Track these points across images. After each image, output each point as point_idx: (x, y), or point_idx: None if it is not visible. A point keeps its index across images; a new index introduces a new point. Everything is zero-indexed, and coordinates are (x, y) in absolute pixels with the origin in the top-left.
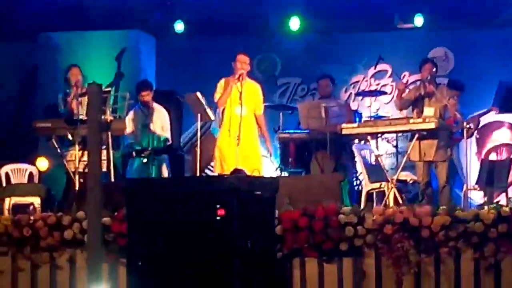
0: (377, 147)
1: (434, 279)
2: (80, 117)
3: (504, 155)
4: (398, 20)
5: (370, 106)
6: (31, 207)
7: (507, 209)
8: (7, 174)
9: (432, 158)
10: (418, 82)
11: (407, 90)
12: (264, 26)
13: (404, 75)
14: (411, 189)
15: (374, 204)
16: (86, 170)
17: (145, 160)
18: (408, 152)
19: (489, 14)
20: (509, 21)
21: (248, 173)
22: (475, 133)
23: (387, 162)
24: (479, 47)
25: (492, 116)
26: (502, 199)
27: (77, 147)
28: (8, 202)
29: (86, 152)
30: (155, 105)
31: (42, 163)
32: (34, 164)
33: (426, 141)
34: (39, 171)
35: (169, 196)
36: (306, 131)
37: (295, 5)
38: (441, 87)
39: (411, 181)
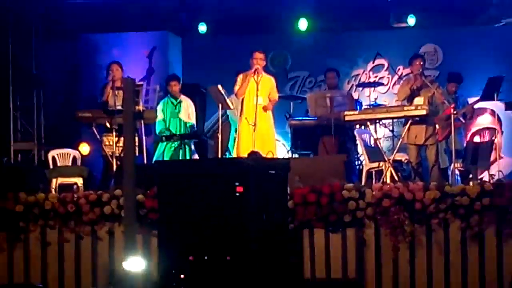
0: (375, 132)
1: (426, 247)
2: (117, 107)
3: (486, 137)
4: (393, 20)
5: (369, 96)
6: (75, 186)
7: (489, 184)
8: (53, 158)
9: (422, 142)
10: (411, 75)
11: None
12: (277, 26)
13: (399, 69)
14: (405, 168)
15: (373, 181)
16: (122, 154)
17: (174, 145)
18: (402, 136)
19: (474, 13)
20: (492, 19)
21: (263, 155)
22: (461, 118)
23: (384, 145)
24: (464, 42)
25: (476, 104)
26: (485, 176)
27: (114, 133)
28: (55, 182)
29: (122, 138)
30: (182, 96)
31: (84, 148)
32: (77, 149)
33: (418, 126)
34: (82, 155)
35: (194, 176)
36: (313, 118)
37: (304, 7)
38: (428, 79)
39: (405, 161)
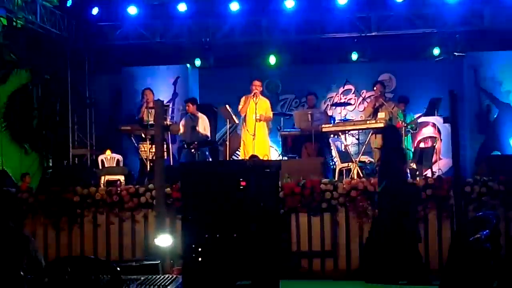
0: (345, 140)
1: None
2: (150, 122)
3: (429, 144)
4: (358, 55)
5: (340, 113)
6: (118, 182)
7: (432, 179)
8: (102, 161)
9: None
10: (373, 97)
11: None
12: (270, 61)
13: (363, 92)
14: (368, 167)
15: (344, 177)
16: (154, 158)
17: (192, 151)
18: (366, 143)
19: (418, 50)
20: (432, 56)
21: (261, 158)
22: (409, 129)
23: (352, 149)
24: (413, 72)
25: (421, 118)
26: (428, 173)
27: (148, 142)
28: (103, 179)
29: (153, 146)
30: (199, 113)
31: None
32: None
33: (380, 135)
34: (124, 158)
35: (209, 174)
36: (298, 130)
37: (290, 47)
38: (387, 100)
39: (368, 162)
